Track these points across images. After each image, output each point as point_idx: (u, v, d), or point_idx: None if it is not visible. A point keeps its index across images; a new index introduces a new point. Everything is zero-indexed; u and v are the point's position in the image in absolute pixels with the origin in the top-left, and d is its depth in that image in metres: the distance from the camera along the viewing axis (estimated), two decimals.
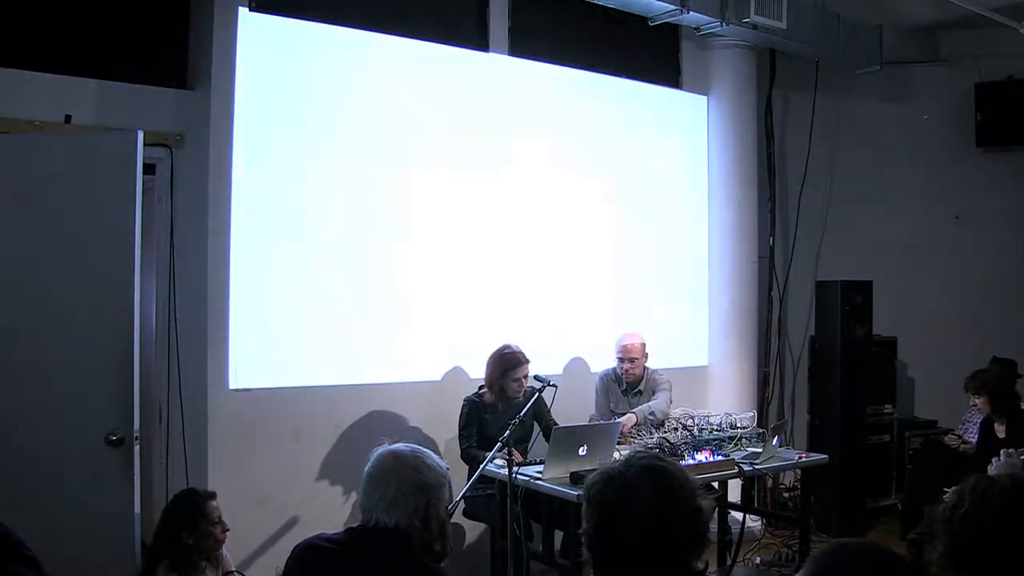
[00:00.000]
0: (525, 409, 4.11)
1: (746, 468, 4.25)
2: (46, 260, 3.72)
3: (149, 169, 4.34)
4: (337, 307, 4.71)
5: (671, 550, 1.69)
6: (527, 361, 4.51)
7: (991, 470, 3.10)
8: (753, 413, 4.90)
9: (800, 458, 4.61)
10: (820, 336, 6.32)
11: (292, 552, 2.19)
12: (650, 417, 4.68)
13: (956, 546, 1.71)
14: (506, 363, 4.48)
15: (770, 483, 6.20)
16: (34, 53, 4.08)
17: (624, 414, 4.83)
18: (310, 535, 2.23)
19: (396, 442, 2.26)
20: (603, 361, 5.48)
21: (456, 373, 5.04)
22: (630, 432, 4.54)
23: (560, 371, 5.40)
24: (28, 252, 3.72)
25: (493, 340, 4.74)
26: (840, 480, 5.75)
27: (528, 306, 5.36)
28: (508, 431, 3.85)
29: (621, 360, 4.98)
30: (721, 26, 5.65)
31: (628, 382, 5.00)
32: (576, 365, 5.52)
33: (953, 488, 1.81)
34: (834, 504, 5.86)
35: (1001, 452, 3.38)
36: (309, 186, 4.64)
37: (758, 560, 5.35)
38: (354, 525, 2.22)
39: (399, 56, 4.94)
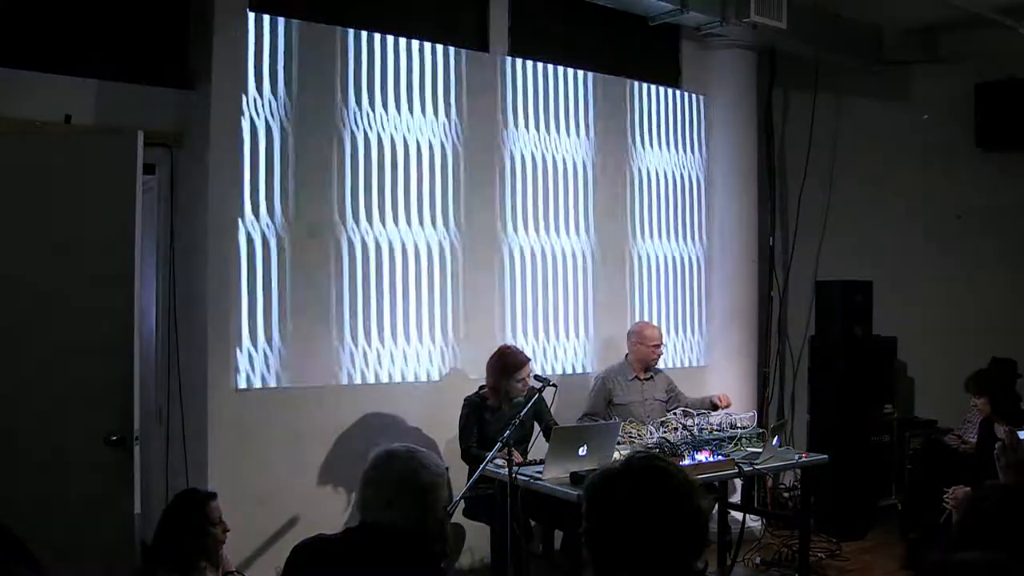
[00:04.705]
0: (525, 409, 4.10)
1: (746, 468, 4.25)
2: (46, 260, 3.71)
3: (149, 169, 4.34)
4: (337, 307, 4.71)
5: (671, 550, 1.69)
6: (528, 360, 4.51)
7: (999, 465, 3.09)
8: (753, 413, 4.89)
9: (800, 458, 4.61)
10: (820, 336, 6.32)
11: (292, 552, 2.19)
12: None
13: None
14: (509, 365, 4.47)
15: (770, 483, 6.20)
16: (34, 53, 4.08)
17: (631, 403, 4.92)
18: (310, 535, 2.23)
19: (394, 442, 2.27)
20: (603, 361, 5.49)
21: (456, 373, 5.04)
22: (628, 433, 4.53)
23: (559, 371, 5.41)
24: (28, 252, 3.72)
25: (493, 340, 4.74)
26: (840, 480, 5.74)
27: (528, 306, 5.36)
28: (508, 431, 3.85)
29: (653, 346, 5.03)
30: (721, 26, 5.66)
31: (645, 368, 5.05)
32: (576, 365, 5.52)
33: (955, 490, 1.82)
34: (834, 504, 5.85)
35: (1005, 434, 3.35)
36: (308, 186, 4.64)
37: (758, 560, 5.35)
38: (353, 526, 2.22)
39: (399, 56, 4.94)
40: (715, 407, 4.78)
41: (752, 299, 6.31)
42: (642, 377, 5.05)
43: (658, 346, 5.07)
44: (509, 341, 5.02)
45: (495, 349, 4.62)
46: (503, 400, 4.49)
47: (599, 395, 5.04)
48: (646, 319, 5.72)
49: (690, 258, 6.20)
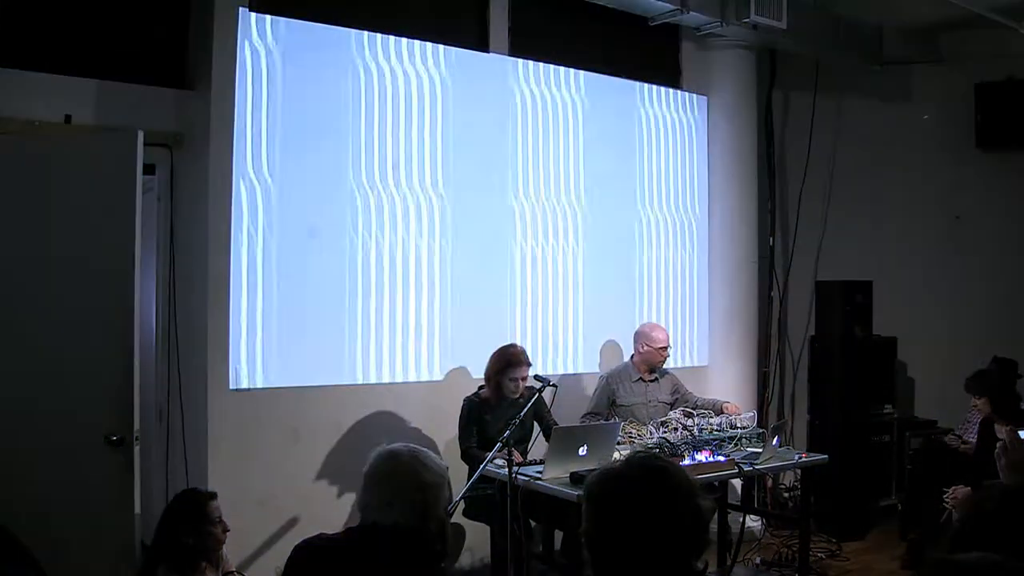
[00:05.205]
0: (525, 409, 4.10)
1: (746, 468, 4.24)
2: (46, 260, 3.71)
3: (149, 169, 4.34)
4: (337, 307, 4.71)
5: (671, 550, 1.69)
6: (528, 364, 4.48)
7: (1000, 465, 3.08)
8: (753, 413, 4.89)
9: (800, 458, 4.61)
10: (820, 336, 6.31)
11: (292, 552, 2.19)
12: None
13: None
14: (507, 360, 4.46)
15: (770, 483, 6.20)
16: (34, 53, 4.08)
17: (634, 404, 4.90)
18: (310, 535, 2.23)
19: (394, 442, 2.27)
20: (603, 361, 5.49)
21: (456, 373, 5.04)
22: (628, 433, 4.53)
23: (560, 371, 5.41)
24: (28, 252, 3.72)
25: (493, 340, 4.74)
26: (840, 480, 5.74)
27: (528, 306, 5.36)
28: (508, 431, 3.85)
29: (660, 348, 4.97)
30: (721, 26, 5.65)
31: (650, 369, 5.01)
32: (577, 365, 5.52)
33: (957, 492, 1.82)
34: (834, 504, 5.85)
35: (1006, 434, 3.35)
36: (308, 186, 4.64)
37: (758, 560, 5.35)
38: (353, 525, 2.22)
39: (399, 56, 4.94)
40: (721, 413, 4.74)
41: (752, 299, 6.31)
42: (647, 379, 5.03)
43: (665, 348, 5.00)
44: (513, 341, 5.01)
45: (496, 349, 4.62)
46: (500, 398, 4.46)
47: (602, 395, 5.03)
48: (646, 319, 5.72)
49: (690, 258, 6.20)
